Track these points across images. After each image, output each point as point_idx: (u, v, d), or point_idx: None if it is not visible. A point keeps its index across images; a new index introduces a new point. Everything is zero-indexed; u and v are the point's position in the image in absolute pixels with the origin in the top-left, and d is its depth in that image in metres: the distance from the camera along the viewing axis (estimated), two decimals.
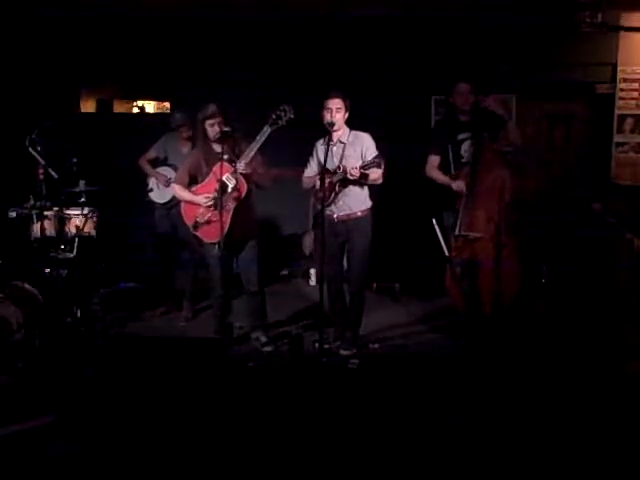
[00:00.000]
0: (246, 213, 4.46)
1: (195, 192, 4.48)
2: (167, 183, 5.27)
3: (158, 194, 5.39)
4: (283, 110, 4.22)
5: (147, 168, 5.42)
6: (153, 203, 5.43)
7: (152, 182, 5.41)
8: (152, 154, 5.42)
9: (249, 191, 4.41)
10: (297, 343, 4.41)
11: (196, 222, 4.46)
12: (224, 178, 4.27)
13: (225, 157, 4.33)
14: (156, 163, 5.42)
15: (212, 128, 4.37)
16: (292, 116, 4.23)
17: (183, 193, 4.54)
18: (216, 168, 4.28)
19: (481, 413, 3.61)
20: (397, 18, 6.18)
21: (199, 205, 4.43)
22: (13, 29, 6.19)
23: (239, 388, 3.96)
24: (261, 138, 4.26)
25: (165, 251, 5.49)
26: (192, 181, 4.55)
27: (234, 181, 4.30)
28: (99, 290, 5.39)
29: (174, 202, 5.12)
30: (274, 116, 4.23)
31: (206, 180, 4.44)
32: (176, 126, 5.23)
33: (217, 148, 4.42)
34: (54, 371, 4.02)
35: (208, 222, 4.41)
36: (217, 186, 4.26)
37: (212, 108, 4.36)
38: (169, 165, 5.35)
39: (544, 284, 5.19)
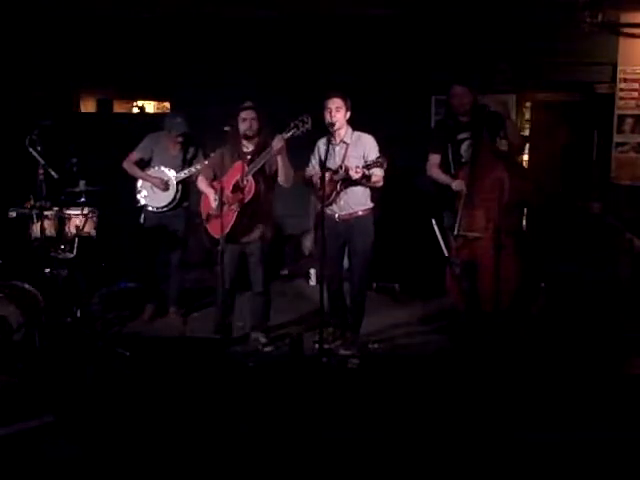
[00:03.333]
0: (256, 215, 4.49)
1: (214, 185, 4.52)
2: (166, 186, 5.08)
3: (153, 198, 5.12)
4: (302, 120, 4.25)
5: (137, 171, 5.12)
6: (146, 208, 5.17)
7: (143, 185, 5.14)
8: (138, 155, 5.14)
9: (258, 193, 4.40)
10: (297, 343, 4.41)
11: (208, 215, 4.53)
12: (238, 177, 4.37)
13: (249, 158, 4.42)
14: (140, 165, 5.15)
15: (243, 123, 4.43)
16: (310, 128, 4.24)
17: (202, 184, 4.64)
18: (235, 166, 4.38)
19: (481, 413, 3.61)
20: (397, 18, 6.18)
21: (209, 198, 4.50)
22: (13, 29, 6.19)
23: (239, 388, 3.96)
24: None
25: (152, 254, 5.28)
26: (216, 177, 4.56)
27: (245, 182, 4.36)
28: (99, 290, 5.38)
29: (172, 205, 5.11)
30: (292, 125, 4.26)
31: (224, 177, 4.44)
32: (176, 132, 5.00)
33: (246, 146, 4.49)
34: (54, 371, 4.02)
35: (217, 216, 4.42)
36: (233, 182, 4.34)
37: (249, 102, 4.49)
38: (157, 166, 5.10)
39: (544, 284, 5.20)
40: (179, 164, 5.11)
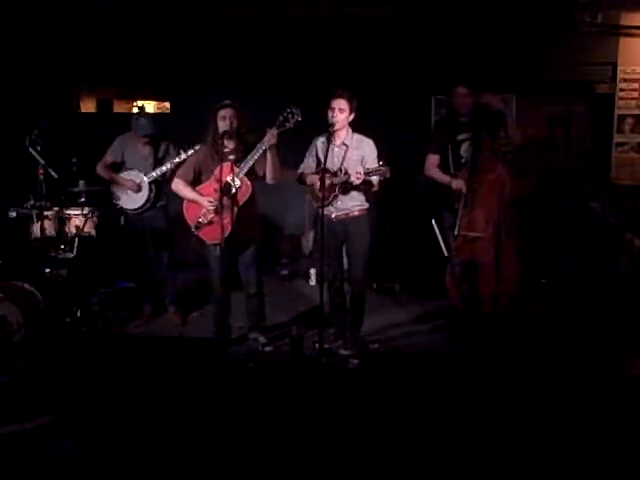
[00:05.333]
0: (249, 216, 4.44)
1: (199, 191, 4.44)
2: (138, 188, 5.06)
3: (127, 200, 5.11)
4: (291, 112, 4.17)
5: (110, 175, 5.11)
6: (123, 210, 5.16)
7: (117, 188, 5.13)
8: (109, 159, 5.14)
9: (252, 194, 4.38)
10: (297, 343, 4.41)
11: (198, 223, 4.43)
12: (229, 179, 4.26)
13: (232, 157, 4.33)
14: (113, 167, 5.13)
15: (223, 122, 4.33)
16: (300, 119, 4.18)
17: (186, 191, 4.47)
18: (222, 167, 4.22)
19: (481, 413, 3.61)
20: (397, 17, 6.18)
21: (202, 205, 4.41)
22: (13, 29, 6.19)
23: (239, 388, 3.96)
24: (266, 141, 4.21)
25: (141, 255, 5.28)
26: (196, 178, 4.49)
27: (239, 183, 4.28)
28: (99, 290, 5.39)
29: (147, 206, 5.10)
30: (281, 118, 4.19)
31: (211, 179, 4.38)
32: (140, 133, 5.03)
33: (227, 146, 4.41)
34: (54, 371, 4.02)
35: (210, 223, 4.38)
36: (221, 185, 4.20)
37: (227, 100, 4.38)
38: (130, 169, 5.11)
39: (544, 284, 5.20)
40: (151, 164, 5.09)
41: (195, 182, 4.50)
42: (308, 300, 5.68)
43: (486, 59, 6.17)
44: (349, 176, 4.27)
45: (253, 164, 4.30)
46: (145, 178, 5.06)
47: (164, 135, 5.17)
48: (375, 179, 4.30)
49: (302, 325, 4.82)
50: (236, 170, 4.27)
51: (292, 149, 4.63)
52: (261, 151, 4.25)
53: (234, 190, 4.28)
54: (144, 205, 5.11)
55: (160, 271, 5.29)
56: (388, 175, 4.21)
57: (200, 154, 4.53)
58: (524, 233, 4.96)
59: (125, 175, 5.12)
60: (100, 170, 5.14)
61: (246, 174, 4.31)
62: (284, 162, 4.49)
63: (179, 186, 4.52)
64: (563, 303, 5.09)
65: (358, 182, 4.24)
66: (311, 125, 4.34)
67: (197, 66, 6.60)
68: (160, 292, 5.37)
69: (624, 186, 6.20)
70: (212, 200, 4.32)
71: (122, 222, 5.22)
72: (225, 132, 4.34)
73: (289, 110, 4.19)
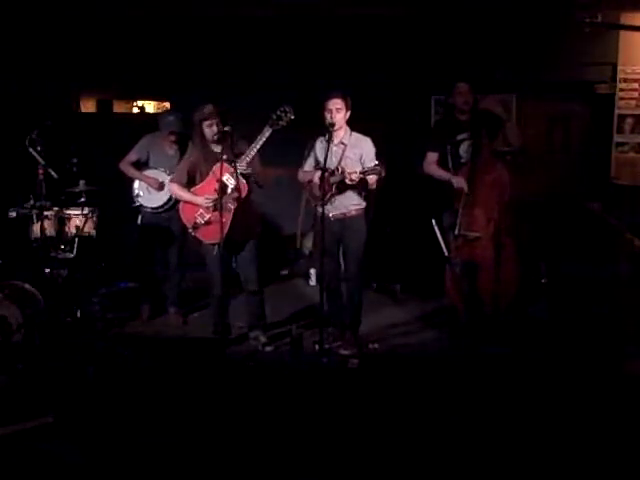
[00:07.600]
0: (247, 213, 4.44)
1: (194, 192, 4.46)
2: (160, 186, 5.11)
3: (148, 198, 5.16)
4: (284, 111, 4.20)
5: (133, 172, 5.17)
6: (142, 208, 5.22)
7: (139, 186, 5.18)
8: (133, 156, 5.18)
9: (249, 191, 4.39)
10: (297, 343, 4.42)
11: (195, 223, 4.44)
12: (224, 179, 4.26)
13: (224, 157, 4.34)
14: (137, 166, 5.20)
15: (210, 129, 4.37)
16: (293, 117, 4.21)
17: (182, 193, 4.50)
18: (216, 168, 4.25)
19: (481, 413, 3.61)
20: (397, 18, 6.18)
21: (198, 206, 4.42)
22: (13, 29, 6.19)
23: (239, 388, 3.96)
24: (261, 139, 4.25)
25: (150, 255, 5.31)
26: (190, 180, 4.51)
27: (234, 182, 4.28)
28: (99, 290, 5.39)
29: (167, 205, 5.11)
30: (274, 117, 4.21)
31: (205, 180, 4.41)
32: (168, 131, 5.07)
33: (216, 148, 4.41)
34: (54, 371, 4.02)
35: (208, 223, 4.39)
36: (217, 186, 4.22)
37: (209, 109, 4.37)
38: (154, 168, 5.15)
39: (544, 284, 5.20)
40: (175, 164, 5.08)
41: (189, 185, 4.51)
42: (308, 300, 5.68)
43: (486, 59, 6.18)
44: (345, 176, 4.27)
45: (247, 165, 4.31)
46: (168, 177, 5.06)
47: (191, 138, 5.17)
48: (372, 178, 4.30)
49: (302, 325, 4.84)
50: (231, 170, 4.28)
51: (287, 148, 4.63)
52: (255, 151, 4.26)
53: (230, 189, 4.29)
54: (165, 204, 5.12)
55: (167, 272, 5.30)
56: (384, 174, 4.22)
57: (192, 157, 4.54)
58: (524, 233, 4.96)
59: (149, 173, 5.16)
60: (123, 167, 5.18)
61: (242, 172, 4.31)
62: (278, 160, 4.48)
63: (174, 189, 4.57)
64: (563, 303, 5.09)
65: (354, 182, 4.25)
66: (307, 124, 4.34)
67: (197, 66, 6.60)
68: (161, 292, 5.37)
69: (624, 186, 6.21)
70: (208, 197, 4.34)
71: (139, 221, 5.25)
72: (214, 136, 4.36)
73: (282, 109, 4.21)
